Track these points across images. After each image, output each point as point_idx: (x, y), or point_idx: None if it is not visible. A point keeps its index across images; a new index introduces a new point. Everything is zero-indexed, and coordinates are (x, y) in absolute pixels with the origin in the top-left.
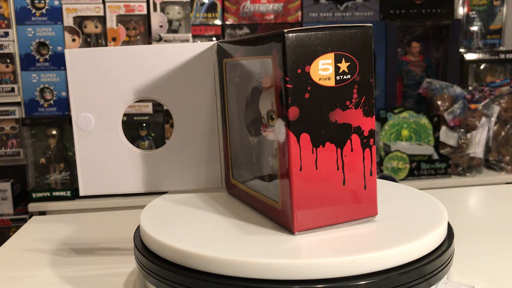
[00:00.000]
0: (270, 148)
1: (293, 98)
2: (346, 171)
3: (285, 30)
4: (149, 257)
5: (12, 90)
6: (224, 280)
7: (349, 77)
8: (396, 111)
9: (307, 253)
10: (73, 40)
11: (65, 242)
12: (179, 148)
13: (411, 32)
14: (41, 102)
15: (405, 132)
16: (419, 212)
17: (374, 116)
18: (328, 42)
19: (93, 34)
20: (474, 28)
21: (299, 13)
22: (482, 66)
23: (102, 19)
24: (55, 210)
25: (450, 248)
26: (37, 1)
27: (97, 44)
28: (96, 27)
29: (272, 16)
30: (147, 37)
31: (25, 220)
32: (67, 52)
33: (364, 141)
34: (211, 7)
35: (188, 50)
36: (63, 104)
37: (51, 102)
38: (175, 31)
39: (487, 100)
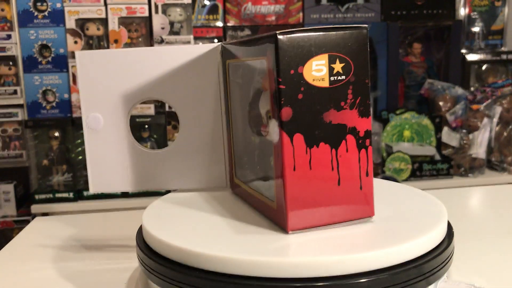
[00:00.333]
0: (271, 148)
1: (286, 98)
2: (341, 172)
3: (277, 32)
4: (150, 255)
5: (15, 92)
6: (213, 276)
7: (344, 78)
8: (398, 112)
9: (295, 252)
10: (75, 42)
11: (69, 240)
12: (184, 148)
13: (413, 33)
14: (44, 104)
15: (407, 133)
16: (419, 211)
17: (370, 117)
18: (321, 43)
19: (95, 36)
20: (476, 29)
21: (301, 14)
22: (484, 67)
23: (104, 21)
24: (58, 212)
25: (450, 247)
26: (39, 4)
27: (99, 46)
28: (98, 29)
29: (273, 18)
30: (149, 39)
31: (28, 222)
32: (77, 54)
33: (360, 141)
34: (213, 9)
35: (193, 51)
36: (66, 106)
37: (54, 104)
38: (177, 33)
39: (489, 100)
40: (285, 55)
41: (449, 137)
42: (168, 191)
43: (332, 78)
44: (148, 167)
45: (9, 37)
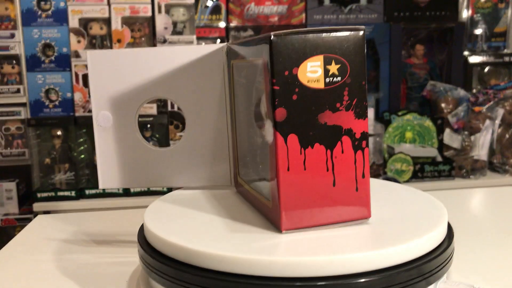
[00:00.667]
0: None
1: (280, 99)
2: (337, 173)
3: (272, 33)
4: (151, 253)
5: (18, 91)
6: (204, 273)
7: (340, 79)
8: (400, 113)
9: (283, 251)
10: (78, 41)
11: (72, 236)
12: (190, 146)
13: (415, 35)
14: (46, 103)
15: (409, 134)
16: (419, 212)
17: (367, 119)
18: (316, 45)
19: (98, 36)
20: (479, 31)
21: (303, 15)
22: (486, 69)
23: (107, 21)
24: (60, 210)
25: (450, 248)
26: (43, 3)
27: (102, 46)
28: (101, 28)
29: (276, 18)
30: (152, 39)
31: (30, 220)
32: (88, 54)
33: (356, 143)
34: (216, 9)
35: (200, 51)
36: (68, 105)
37: (56, 103)
38: (180, 33)
39: (491, 102)
40: (279, 56)
41: (451, 138)
42: (169, 190)
43: (327, 80)
44: (155, 164)
45: (12, 36)
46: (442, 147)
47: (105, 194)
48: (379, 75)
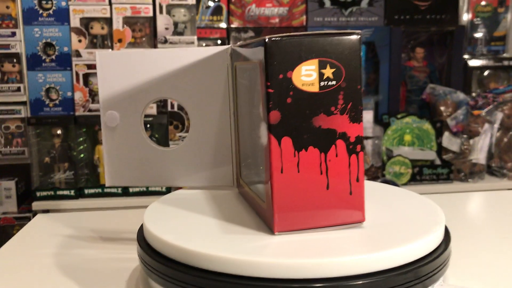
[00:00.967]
0: None
1: (274, 102)
2: (330, 176)
3: (267, 37)
4: (150, 253)
5: (18, 89)
6: (195, 272)
7: (334, 83)
8: (399, 116)
9: (271, 252)
10: (79, 41)
11: (73, 233)
12: (194, 147)
13: (416, 38)
14: (47, 102)
15: (408, 137)
16: (416, 215)
17: (362, 123)
18: (311, 49)
19: (99, 35)
20: (478, 35)
21: (304, 17)
22: (485, 73)
23: (109, 21)
24: (59, 209)
25: (447, 251)
26: (44, 2)
27: (103, 46)
28: (102, 28)
29: (277, 20)
30: (153, 39)
31: (29, 219)
32: (97, 55)
33: (350, 147)
34: (217, 10)
35: (205, 53)
36: (68, 104)
37: (57, 102)
38: (181, 34)
39: (491, 106)
40: (273, 59)
41: (450, 142)
42: (168, 190)
43: (322, 83)
44: (159, 164)
45: (13, 34)
46: (441, 150)
47: (104, 194)
48: (379, 78)
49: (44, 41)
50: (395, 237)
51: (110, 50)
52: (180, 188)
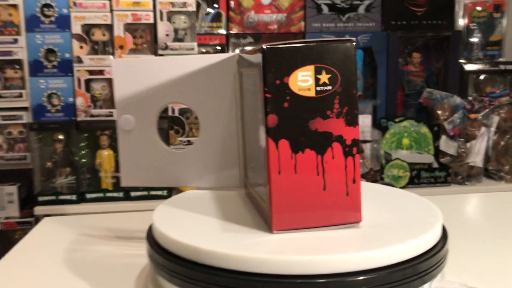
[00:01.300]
0: None
1: (272, 106)
2: (327, 177)
3: (265, 45)
4: (159, 250)
5: (20, 95)
6: (196, 266)
7: (330, 88)
8: (397, 120)
9: (268, 249)
10: (81, 47)
11: (82, 233)
12: (203, 149)
13: (412, 43)
14: (49, 108)
15: (405, 141)
16: (415, 214)
17: (358, 126)
18: (307, 56)
19: (100, 42)
20: (474, 40)
21: (302, 23)
22: (482, 77)
23: (110, 27)
24: (61, 214)
25: (444, 249)
26: (46, 9)
27: (104, 52)
28: (104, 35)
29: (275, 26)
30: (154, 46)
31: (30, 223)
32: (113, 62)
33: (346, 149)
34: (216, 17)
35: (214, 60)
36: (70, 109)
37: (58, 107)
38: (181, 40)
39: (487, 110)
40: (270, 66)
41: (447, 145)
42: (169, 194)
43: (318, 88)
44: (171, 165)
45: (16, 41)
46: (438, 153)
47: (105, 198)
48: (377, 83)
49: (46, 47)
50: (394, 235)
51: (124, 57)
52: (181, 191)
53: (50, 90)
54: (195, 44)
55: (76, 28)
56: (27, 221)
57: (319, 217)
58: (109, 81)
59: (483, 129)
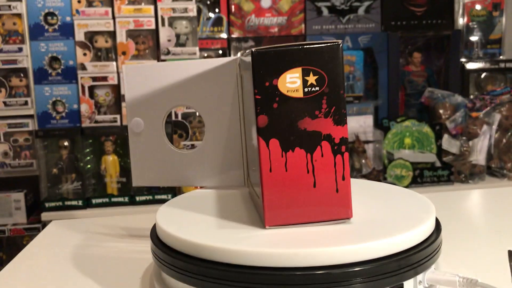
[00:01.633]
0: None
1: (262, 107)
2: (317, 175)
3: (253, 49)
4: (162, 247)
5: (26, 103)
6: (193, 260)
7: (318, 89)
8: (399, 120)
9: (257, 243)
10: (84, 54)
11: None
12: (209, 150)
13: (413, 43)
14: (53, 115)
15: (408, 140)
16: (408, 208)
17: (346, 125)
18: (295, 58)
19: (103, 49)
20: (474, 38)
21: (303, 26)
22: (482, 75)
23: (112, 34)
24: (68, 219)
25: (437, 241)
26: (50, 18)
27: (107, 58)
28: (106, 41)
29: (276, 29)
30: (156, 51)
31: (38, 229)
32: (124, 68)
33: (335, 148)
34: (217, 21)
35: (217, 63)
36: (75, 116)
37: (63, 114)
38: (183, 45)
39: (488, 108)
40: (259, 69)
41: (449, 144)
42: (174, 195)
43: (306, 89)
44: (179, 166)
45: (20, 50)
46: (440, 152)
47: (111, 203)
48: (378, 83)
49: (50, 55)
50: (388, 228)
51: (136, 63)
52: (183, 192)
53: (55, 97)
54: (197, 48)
55: (80, 36)
56: (35, 227)
57: (310, 213)
58: (113, 87)
59: (485, 127)
